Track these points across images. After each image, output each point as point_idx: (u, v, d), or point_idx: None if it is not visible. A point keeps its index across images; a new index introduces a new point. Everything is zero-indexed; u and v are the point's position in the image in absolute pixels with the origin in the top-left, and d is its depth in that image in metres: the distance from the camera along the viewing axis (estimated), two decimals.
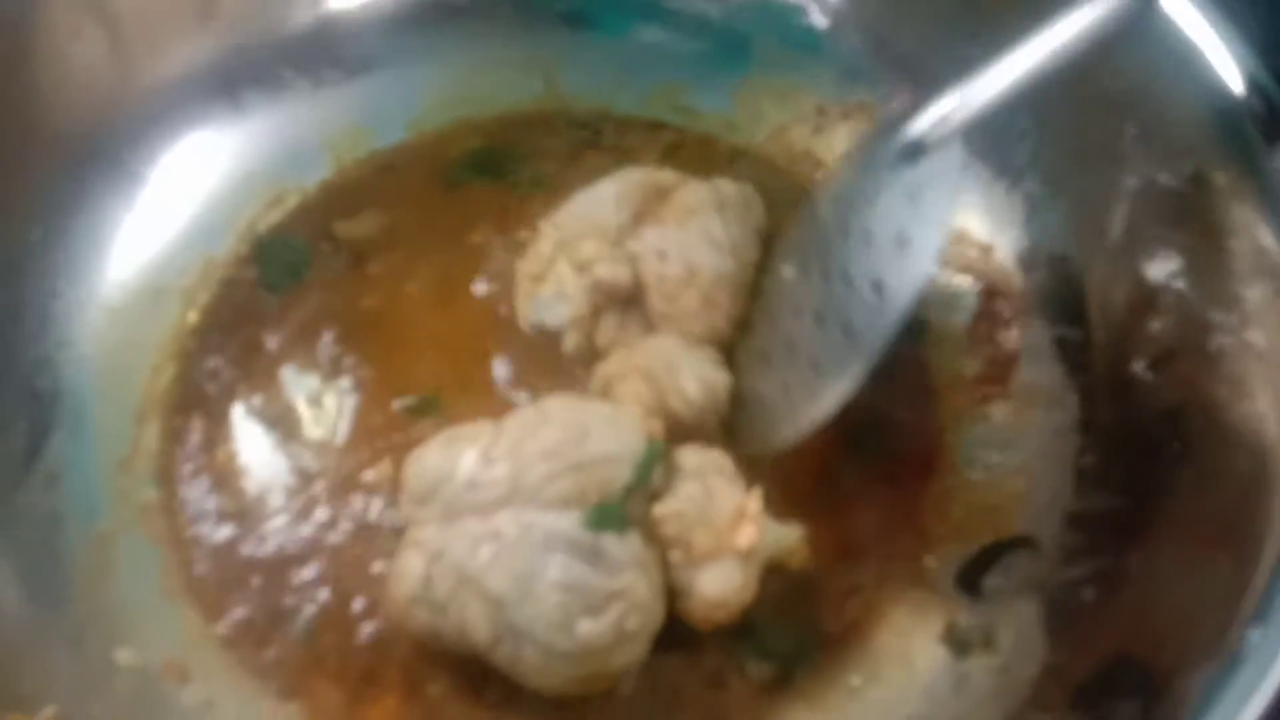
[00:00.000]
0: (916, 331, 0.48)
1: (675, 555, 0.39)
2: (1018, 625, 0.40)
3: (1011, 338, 0.48)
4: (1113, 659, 0.36)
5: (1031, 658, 0.39)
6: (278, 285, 0.51)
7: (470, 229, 0.52)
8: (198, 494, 0.46)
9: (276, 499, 0.46)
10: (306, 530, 0.45)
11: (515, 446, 0.39)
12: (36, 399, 0.47)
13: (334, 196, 0.53)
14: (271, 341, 0.50)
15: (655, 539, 0.39)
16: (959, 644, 0.41)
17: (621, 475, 0.39)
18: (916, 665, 0.41)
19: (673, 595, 0.40)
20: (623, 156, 0.53)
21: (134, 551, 0.45)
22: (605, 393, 0.44)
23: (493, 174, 0.53)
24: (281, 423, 0.47)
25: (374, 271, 0.51)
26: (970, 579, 0.43)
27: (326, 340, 0.49)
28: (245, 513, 0.45)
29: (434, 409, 0.47)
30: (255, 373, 0.49)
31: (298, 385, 0.48)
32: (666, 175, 0.49)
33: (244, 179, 0.53)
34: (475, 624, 0.38)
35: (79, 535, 0.45)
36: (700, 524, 0.39)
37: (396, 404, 0.47)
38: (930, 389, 0.47)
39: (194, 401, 0.48)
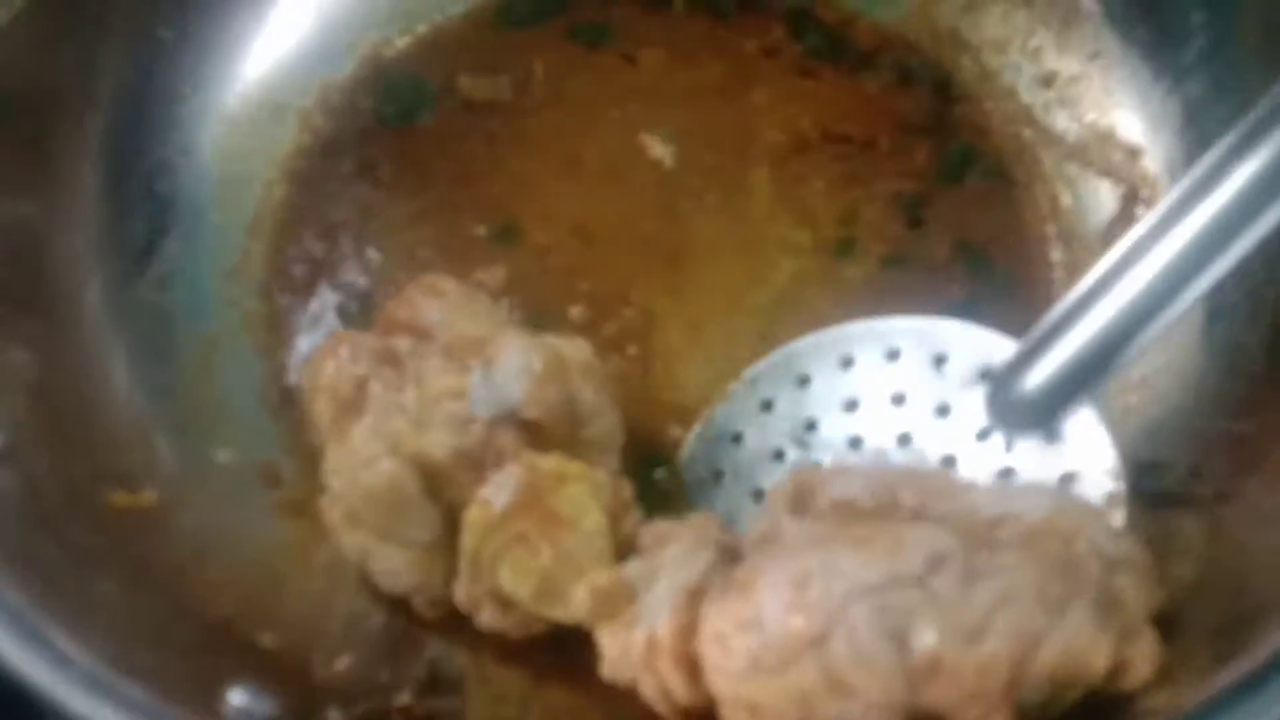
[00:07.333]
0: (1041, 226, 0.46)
1: None
2: None
3: None
4: (1204, 582, 0.35)
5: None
6: (391, 120, 0.51)
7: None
8: (301, 310, 0.47)
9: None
10: None
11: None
12: (156, 200, 0.48)
13: (459, 43, 0.52)
14: (382, 174, 0.50)
15: None
16: None
17: None
18: None
19: None
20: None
21: (237, 359, 0.46)
22: None
23: None
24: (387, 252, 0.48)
25: (495, 128, 0.50)
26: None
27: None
28: None
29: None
30: (363, 204, 0.49)
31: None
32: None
33: (370, 5, 0.52)
34: None
35: (186, 336, 0.46)
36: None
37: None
38: (1053, 293, 0.45)
39: (304, 222, 0.49)
